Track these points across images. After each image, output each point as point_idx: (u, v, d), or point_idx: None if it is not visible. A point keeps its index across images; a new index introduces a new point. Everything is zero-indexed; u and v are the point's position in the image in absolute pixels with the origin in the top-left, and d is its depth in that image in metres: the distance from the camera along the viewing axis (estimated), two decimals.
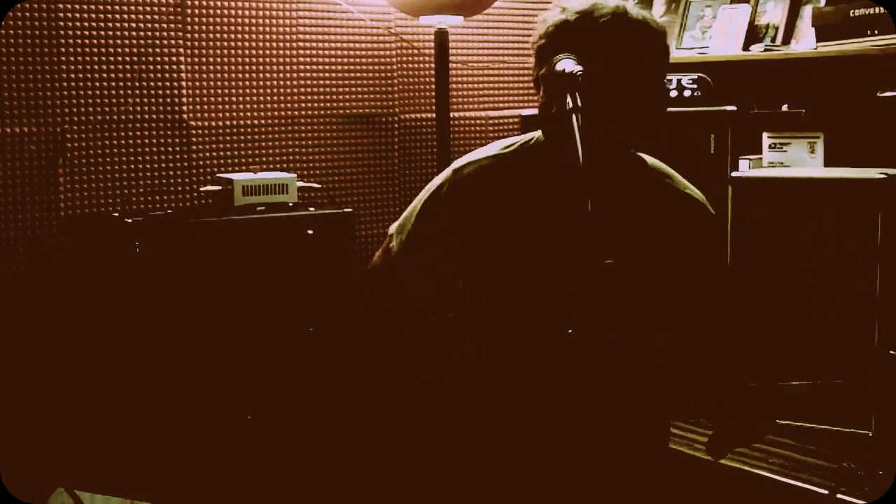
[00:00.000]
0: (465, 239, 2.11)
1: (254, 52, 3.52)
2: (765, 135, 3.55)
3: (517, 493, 2.06)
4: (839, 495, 2.74)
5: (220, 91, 3.46)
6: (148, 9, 3.29)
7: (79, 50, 3.17)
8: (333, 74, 3.70)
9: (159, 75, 3.33)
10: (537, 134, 2.12)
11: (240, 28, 3.48)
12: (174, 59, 3.36)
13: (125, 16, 3.25)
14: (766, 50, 3.69)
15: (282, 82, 3.58)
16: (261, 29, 3.53)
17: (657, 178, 2.11)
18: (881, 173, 3.07)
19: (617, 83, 1.90)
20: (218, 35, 3.44)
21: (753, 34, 3.79)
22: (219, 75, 3.45)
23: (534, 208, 2.06)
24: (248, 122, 3.53)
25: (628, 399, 2.04)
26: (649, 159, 2.13)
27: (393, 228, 2.24)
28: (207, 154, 3.45)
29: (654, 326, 2.03)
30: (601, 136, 1.90)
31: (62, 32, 3.14)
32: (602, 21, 1.93)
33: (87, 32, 3.18)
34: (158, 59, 3.32)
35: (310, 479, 3.04)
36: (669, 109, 3.65)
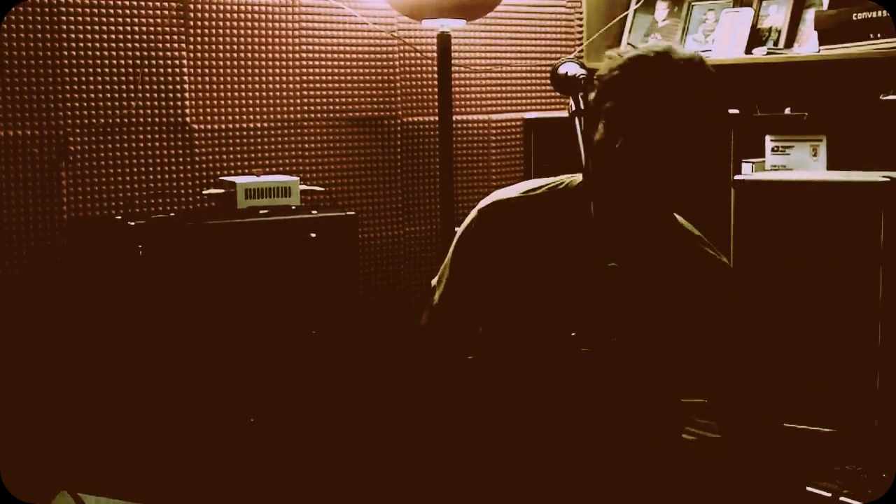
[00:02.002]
0: (495, 276, 2.11)
1: (256, 54, 3.52)
2: (767, 138, 3.54)
3: (518, 493, 2.06)
4: (842, 498, 2.74)
5: (222, 94, 3.46)
6: (151, 11, 3.30)
7: (81, 52, 3.18)
8: (336, 77, 3.70)
9: (162, 78, 3.34)
10: (568, 179, 2.11)
11: (242, 31, 3.49)
12: (177, 61, 3.36)
13: (128, 18, 3.25)
14: (768, 53, 3.69)
15: (284, 85, 3.59)
16: (263, 32, 3.53)
17: (690, 240, 2.12)
18: (884, 176, 3.07)
19: (672, 138, 1.87)
20: (220, 38, 3.44)
21: (756, 38, 3.79)
22: (221, 78, 3.45)
23: (561, 253, 2.05)
24: (251, 125, 3.53)
25: (636, 404, 2.05)
26: (681, 219, 2.14)
27: (434, 281, 2.24)
28: (210, 157, 3.45)
29: (663, 338, 2.04)
30: (645, 196, 1.91)
31: (64, 35, 3.15)
32: (678, 65, 1.89)
33: (89, 35, 3.19)
34: (161, 61, 3.33)
35: (312, 480, 3.04)
36: None
